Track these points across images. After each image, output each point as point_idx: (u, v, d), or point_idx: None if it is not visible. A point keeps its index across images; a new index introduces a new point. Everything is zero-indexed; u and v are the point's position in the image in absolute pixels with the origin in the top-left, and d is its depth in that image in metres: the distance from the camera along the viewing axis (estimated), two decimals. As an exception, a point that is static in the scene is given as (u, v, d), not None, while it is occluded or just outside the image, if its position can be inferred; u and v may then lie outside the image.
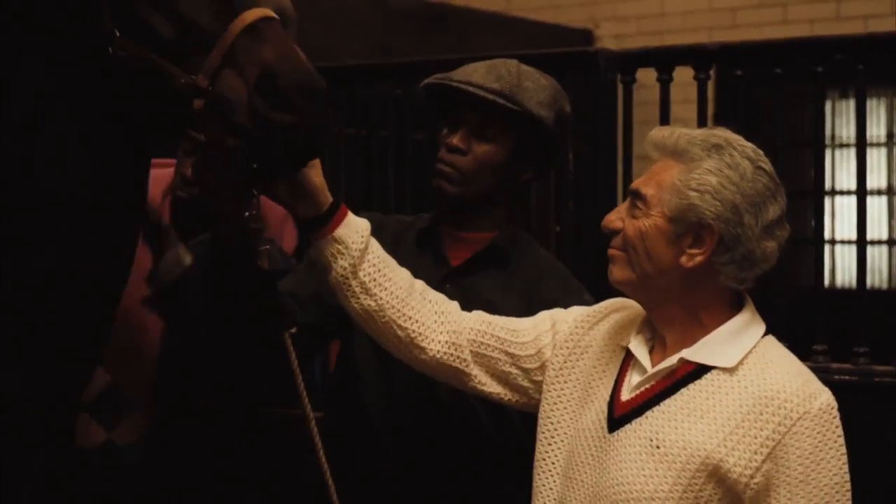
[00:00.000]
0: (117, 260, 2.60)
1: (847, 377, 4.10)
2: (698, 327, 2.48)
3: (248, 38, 2.36)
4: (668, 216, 2.45)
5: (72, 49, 2.47)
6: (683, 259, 2.44)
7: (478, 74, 2.96)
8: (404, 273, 2.67)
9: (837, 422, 2.41)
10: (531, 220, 4.70)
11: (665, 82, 4.52)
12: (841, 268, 8.01)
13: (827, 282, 5.03)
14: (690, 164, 2.45)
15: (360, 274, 2.60)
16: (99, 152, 2.49)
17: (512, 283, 2.99)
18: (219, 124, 2.35)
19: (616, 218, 2.54)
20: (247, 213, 2.50)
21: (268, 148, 2.34)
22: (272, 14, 2.41)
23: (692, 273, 2.45)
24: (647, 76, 4.65)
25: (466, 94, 2.94)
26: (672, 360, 2.47)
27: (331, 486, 2.64)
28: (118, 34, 2.40)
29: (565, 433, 2.59)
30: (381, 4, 7.03)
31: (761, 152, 2.49)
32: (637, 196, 2.50)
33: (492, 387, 2.69)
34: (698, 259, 2.44)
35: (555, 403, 2.63)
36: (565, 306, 2.79)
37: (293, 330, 2.60)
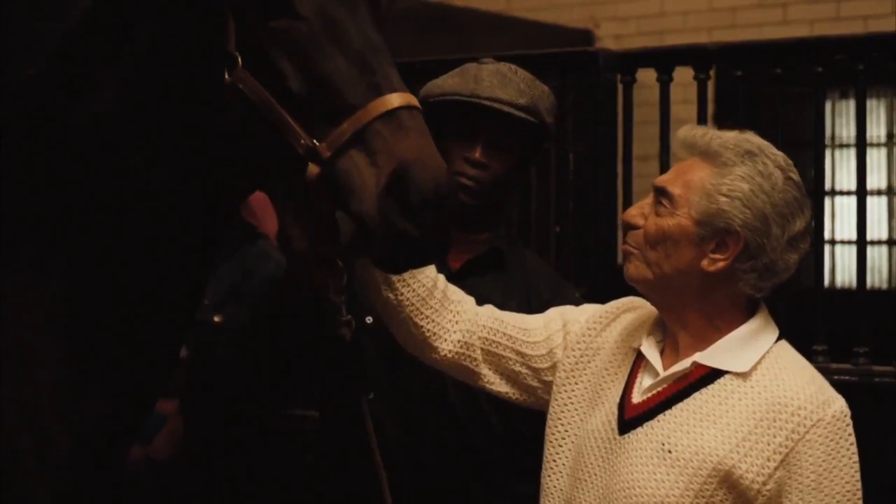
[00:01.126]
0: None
1: (847, 377, 4.10)
2: (712, 331, 2.46)
3: (388, 123, 2.18)
4: (695, 218, 2.42)
5: (184, 58, 2.33)
6: (705, 263, 2.42)
7: (498, 89, 2.94)
8: (430, 271, 2.65)
9: (850, 429, 2.39)
10: (531, 220, 4.70)
11: (665, 82, 4.53)
12: (841, 268, 8.01)
13: (827, 282, 5.04)
14: (723, 168, 2.42)
15: None
16: (179, 181, 2.39)
17: (510, 285, 3.00)
18: (330, 199, 2.21)
19: (638, 213, 2.51)
20: (330, 285, 2.40)
21: (381, 246, 2.19)
22: (416, 102, 2.24)
23: (711, 277, 2.43)
24: (646, 76, 4.65)
25: (491, 110, 2.93)
26: (685, 364, 2.45)
27: None
28: (241, 62, 2.24)
29: (575, 434, 2.58)
30: (382, 4, 7.02)
31: (791, 162, 2.46)
32: (663, 194, 2.47)
33: (500, 386, 2.68)
34: (720, 265, 2.41)
35: (565, 405, 2.61)
36: (558, 305, 2.78)
37: (370, 396, 2.59)
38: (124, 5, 2.38)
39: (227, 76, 2.25)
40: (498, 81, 2.96)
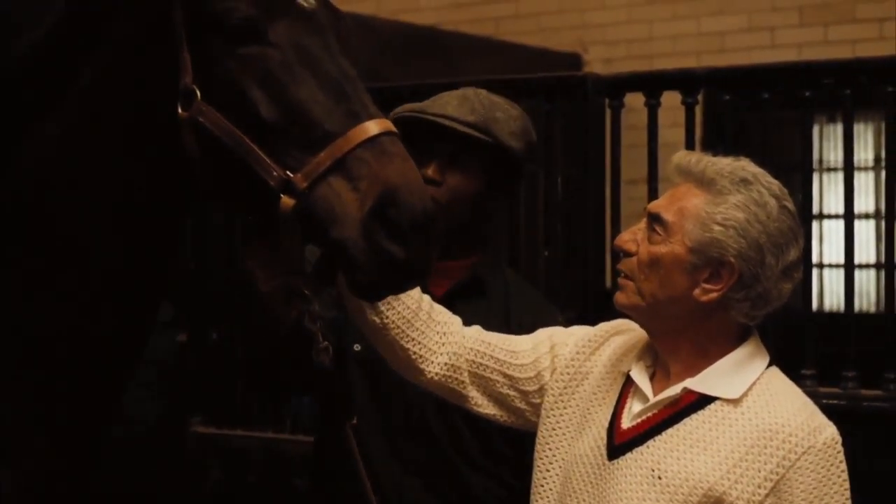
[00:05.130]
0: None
1: (835, 401, 4.09)
2: (703, 357, 2.45)
3: (370, 150, 2.13)
4: (688, 246, 2.40)
5: (130, 93, 2.26)
6: (697, 292, 2.40)
7: (451, 107, 2.97)
8: (414, 292, 2.64)
9: (841, 456, 2.38)
10: (520, 244, 4.70)
11: (653, 107, 4.54)
12: (829, 291, 8.01)
13: (815, 305, 5.04)
14: (717, 196, 2.40)
15: None
16: (127, 226, 2.32)
17: (491, 310, 3.00)
18: (307, 230, 2.16)
19: (630, 239, 2.49)
20: (304, 311, 2.36)
21: (365, 272, 2.13)
22: (394, 128, 2.19)
23: (704, 306, 2.41)
24: (635, 100, 4.66)
25: (441, 126, 2.94)
26: (675, 390, 2.43)
27: None
28: (199, 94, 2.18)
29: (563, 459, 2.56)
30: (370, 28, 7.04)
31: (786, 191, 2.44)
32: (657, 220, 2.45)
33: (488, 408, 2.67)
34: (713, 295, 2.40)
35: (553, 430, 2.60)
36: (541, 327, 2.77)
37: (353, 421, 2.57)
38: (69, 40, 2.32)
39: (184, 111, 2.18)
40: (457, 101, 2.99)
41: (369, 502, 2.50)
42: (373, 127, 2.16)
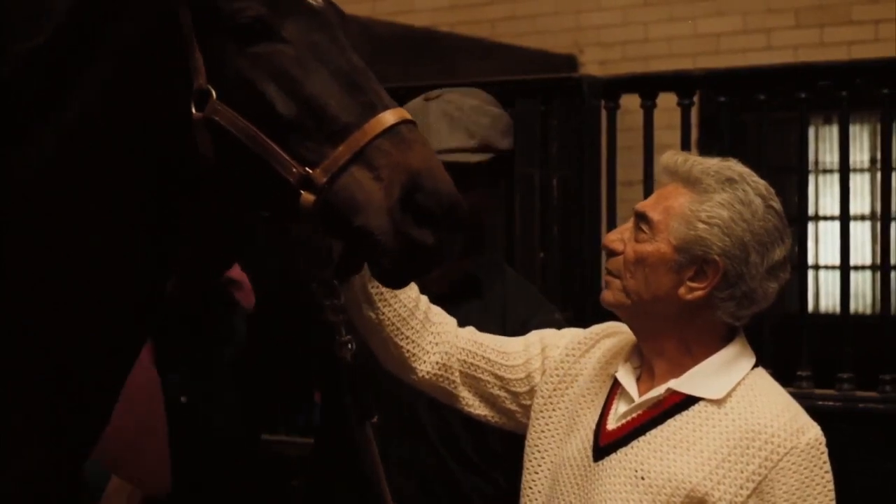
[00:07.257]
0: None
1: (831, 403, 4.10)
2: (688, 358, 2.45)
3: (388, 139, 2.14)
4: (673, 244, 2.41)
5: (140, 96, 2.25)
6: (682, 290, 2.41)
7: (444, 135, 2.92)
8: (412, 291, 2.63)
9: (825, 457, 2.38)
10: (516, 245, 4.70)
11: (649, 108, 4.54)
12: (825, 293, 8.02)
13: (811, 307, 5.05)
14: (703, 195, 2.41)
15: (369, 286, 2.56)
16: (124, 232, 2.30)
17: (488, 308, 3.00)
18: (329, 223, 2.16)
19: (617, 239, 2.49)
20: (328, 304, 2.37)
21: (391, 259, 2.13)
22: (410, 117, 2.20)
23: (689, 305, 2.41)
24: (631, 102, 4.66)
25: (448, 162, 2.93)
26: (659, 391, 2.43)
27: None
28: (214, 94, 2.18)
29: (551, 461, 2.56)
30: (367, 30, 7.04)
31: (772, 190, 2.45)
32: (643, 219, 2.45)
33: (479, 409, 2.67)
34: (698, 293, 2.40)
35: (542, 432, 2.60)
36: (537, 326, 2.77)
37: (374, 420, 2.56)
38: (73, 44, 2.31)
39: (199, 112, 2.18)
40: (447, 126, 2.95)
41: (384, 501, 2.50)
42: (389, 117, 2.16)
